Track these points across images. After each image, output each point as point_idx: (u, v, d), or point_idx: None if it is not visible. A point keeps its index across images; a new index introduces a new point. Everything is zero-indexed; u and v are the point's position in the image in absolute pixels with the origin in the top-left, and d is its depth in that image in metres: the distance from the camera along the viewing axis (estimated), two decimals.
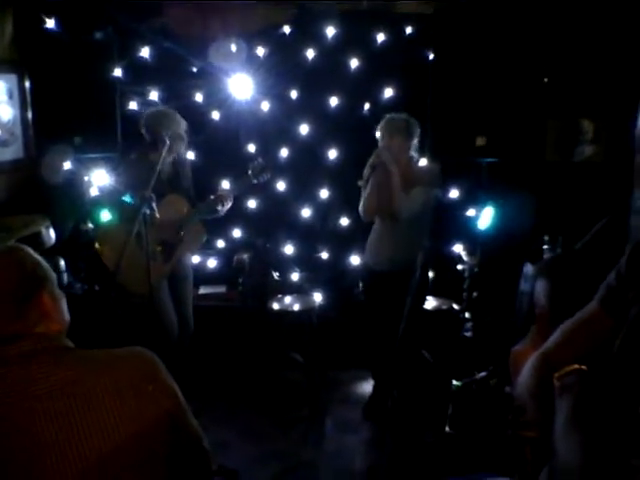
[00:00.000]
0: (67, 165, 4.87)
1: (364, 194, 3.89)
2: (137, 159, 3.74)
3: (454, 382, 3.67)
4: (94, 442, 1.34)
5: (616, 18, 4.38)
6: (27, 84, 4.98)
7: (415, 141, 3.85)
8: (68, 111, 4.91)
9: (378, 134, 3.85)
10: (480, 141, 4.68)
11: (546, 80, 4.72)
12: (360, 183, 3.93)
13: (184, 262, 3.92)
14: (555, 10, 4.52)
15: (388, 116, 3.87)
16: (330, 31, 4.84)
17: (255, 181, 3.92)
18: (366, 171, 3.86)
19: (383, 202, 3.77)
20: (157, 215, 3.31)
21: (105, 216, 3.87)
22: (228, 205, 3.87)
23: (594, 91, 4.64)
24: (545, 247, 4.44)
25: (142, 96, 4.95)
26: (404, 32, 4.80)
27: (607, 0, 4.41)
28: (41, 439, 1.32)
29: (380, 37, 4.81)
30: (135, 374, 1.44)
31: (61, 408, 1.34)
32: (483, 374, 3.73)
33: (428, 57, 4.79)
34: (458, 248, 4.77)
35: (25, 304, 1.44)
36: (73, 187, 4.75)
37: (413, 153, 3.86)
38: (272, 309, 4.27)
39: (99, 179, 4.82)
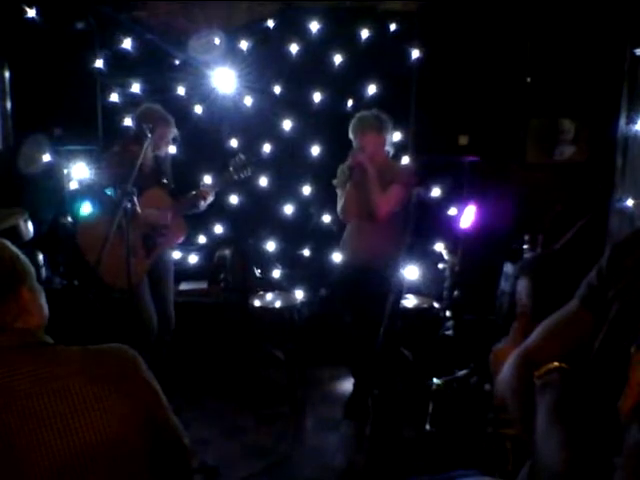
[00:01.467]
0: (46, 157, 4.80)
1: (340, 195, 3.87)
2: (119, 152, 3.70)
3: (434, 380, 3.69)
4: (73, 439, 1.31)
5: (598, 20, 4.42)
6: (6, 74, 4.90)
7: (389, 136, 3.81)
8: (48, 102, 4.85)
9: (351, 134, 3.79)
10: (463, 140, 4.68)
11: (529, 80, 4.74)
12: (335, 182, 3.90)
13: (165, 258, 3.88)
14: (538, 11, 4.55)
15: (358, 115, 3.81)
16: (314, 27, 4.82)
17: (236, 177, 3.90)
18: (339, 171, 3.85)
19: (362, 203, 3.75)
20: (138, 209, 3.28)
21: (85, 209, 3.83)
22: (209, 200, 3.85)
23: (576, 91, 4.68)
24: (525, 247, 4.47)
25: (123, 88, 4.90)
26: (388, 29, 4.80)
27: (588, 2, 4.44)
28: (16, 437, 1.29)
29: (364, 34, 4.80)
30: (115, 371, 1.42)
31: (38, 405, 1.32)
32: (463, 372, 3.75)
33: (412, 55, 4.79)
34: (439, 247, 4.78)
35: (3, 299, 1.41)
36: (52, 180, 4.69)
37: (388, 148, 3.84)
38: (253, 306, 4.25)
39: (79, 172, 4.79)
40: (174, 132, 3.81)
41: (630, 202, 4.26)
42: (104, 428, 1.34)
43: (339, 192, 3.88)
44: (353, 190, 3.72)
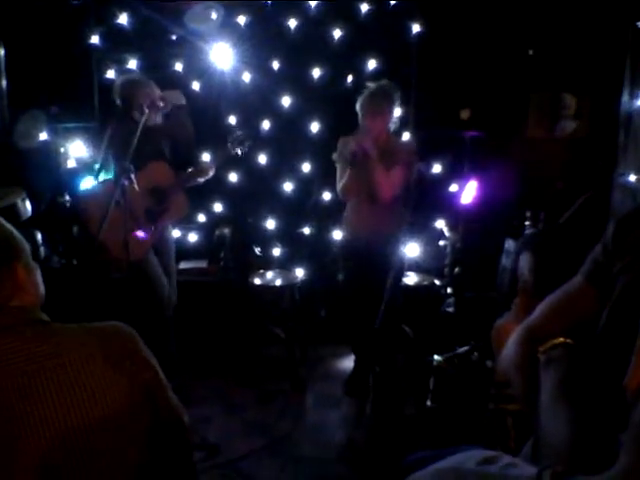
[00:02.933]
0: (43, 135, 4.75)
1: (341, 171, 3.82)
2: (116, 128, 3.65)
3: (435, 357, 3.68)
4: (71, 417, 1.30)
5: None
6: (1, 52, 4.83)
7: (395, 112, 3.73)
8: (43, 79, 4.78)
9: (359, 110, 3.68)
10: (464, 114, 4.63)
11: (531, 52, 4.67)
12: (334, 157, 3.86)
13: (166, 235, 3.85)
14: None
15: (370, 90, 3.67)
16: (313, 2, 4.75)
17: (234, 152, 3.85)
18: (340, 144, 3.79)
19: (363, 184, 3.71)
20: (136, 187, 3.24)
21: (85, 185, 3.80)
22: (209, 176, 3.82)
23: (578, 65, 4.61)
24: (527, 223, 4.44)
25: (120, 64, 4.84)
26: (387, 4, 4.72)
27: None
28: (17, 415, 1.28)
29: (363, 8, 4.73)
30: (113, 348, 1.41)
31: (34, 384, 1.30)
32: (465, 349, 3.75)
33: (412, 29, 4.72)
34: (440, 223, 4.75)
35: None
36: (49, 158, 4.65)
37: (392, 124, 3.77)
38: (254, 284, 4.23)
39: (76, 150, 4.74)
40: (157, 93, 3.70)
41: (633, 177, 4.22)
42: (103, 405, 1.33)
43: (338, 167, 3.84)
44: (354, 172, 3.68)
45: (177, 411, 1.54)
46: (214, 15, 4.76)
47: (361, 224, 3.84)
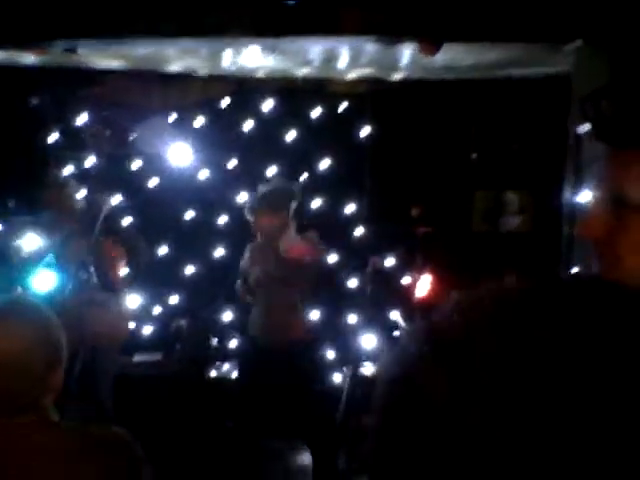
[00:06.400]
0: None
1: (241, 284, 3.88)
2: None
3: None
4: None
5: (540, 102, 4.67)
6: None
7: (290, 208, 3.73)
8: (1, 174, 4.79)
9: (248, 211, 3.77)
10: (415, 211, 4.85)
11: (475, 156, 5.00)
12: (241, 264, 3.92)
13: None
14: (482, 97, 4.81)
15: (261, 193, 3.75)
16: (267, 105, 5.00)
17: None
18: (245, 260, 3.89)
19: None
20: None
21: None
22: None
23: (519, 165, 4.94)
24: None
25: (78, 162, 4.90)
26: (337, 108, 5.02)
27: (528, 89, 4.71)
28: None
29: (316, 112, 5.00)
30: (114, 463, 1.40)
31: None
32: None
33: (362, 132, 4.99)
34: (395, 315, 4.83)
35: (49, 373, 1.37)
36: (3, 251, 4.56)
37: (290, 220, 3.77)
38: (210, 377, 4.15)
39: (29, 242, 4.67)
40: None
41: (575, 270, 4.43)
42: None
43: (240, 278, 3.93)
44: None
45: None
46: (173, 118, 4.95)
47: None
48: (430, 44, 2.86)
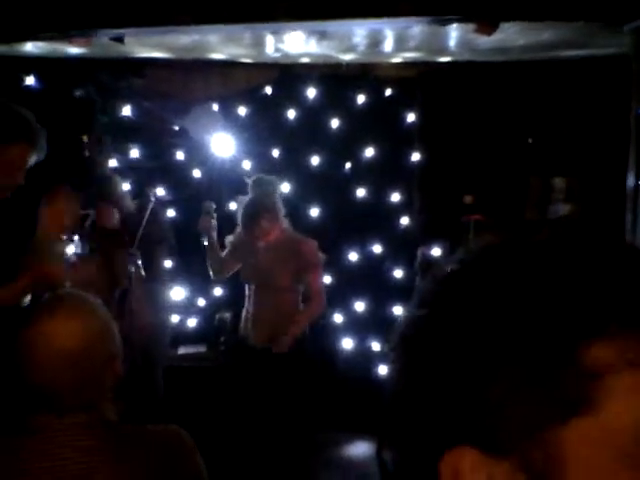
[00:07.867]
0: None
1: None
2: None
3: None
4: None
5: (600, 83, 4.44)
6: None
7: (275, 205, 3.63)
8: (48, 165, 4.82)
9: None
10: (468, 199, 4.70)
11: (530, 141, 4.80)
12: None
13: None
14: (533, 75, 4.62)
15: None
16: (311, 92, 4.92)
17: None
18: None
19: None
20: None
21: None
22: None
23: (571, 151, 4.73)
24: None
25: (123, 154, 4.91)
26: (384, 94, 4.90)
27: (583, 70, 4.50)
28: None
29: (361, 98, 4.89)
30: (167, 459, 1.35)
31: None
32: None
33: (409, 118, 4.86)
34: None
35: (106, 370, 1.34)
36: None
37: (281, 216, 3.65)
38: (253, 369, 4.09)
39: None
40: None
41: None
42: None
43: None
44: None
45: None
46: (215, 108, 4.91)
47: None
48: (487, 24, 2.73)
